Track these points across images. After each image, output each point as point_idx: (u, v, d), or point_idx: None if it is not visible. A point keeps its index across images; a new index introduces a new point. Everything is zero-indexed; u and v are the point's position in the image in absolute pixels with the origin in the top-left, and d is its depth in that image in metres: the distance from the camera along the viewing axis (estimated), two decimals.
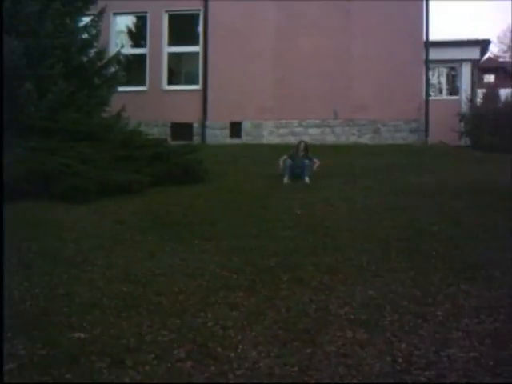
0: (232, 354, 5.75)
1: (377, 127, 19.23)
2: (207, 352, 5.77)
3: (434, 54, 21.71)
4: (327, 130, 19.18)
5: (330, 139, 18.95)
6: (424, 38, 19.79)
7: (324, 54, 19.16)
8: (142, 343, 5.97)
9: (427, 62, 20.11)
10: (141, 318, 6.59)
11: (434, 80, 27.60)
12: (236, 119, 19.44)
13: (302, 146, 14.07)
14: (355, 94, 19.00)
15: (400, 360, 5.56)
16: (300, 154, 13.83)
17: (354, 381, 5.24)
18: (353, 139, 19.11)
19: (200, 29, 20.71)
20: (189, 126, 19.93)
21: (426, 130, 19.56)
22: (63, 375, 5.29)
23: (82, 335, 6.14)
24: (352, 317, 6.62)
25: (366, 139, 19.06)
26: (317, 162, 13.69)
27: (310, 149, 14.18)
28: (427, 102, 19.82)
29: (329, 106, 18.98)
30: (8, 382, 4.56)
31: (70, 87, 14.06)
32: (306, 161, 13.63)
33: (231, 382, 5.25)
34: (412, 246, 8.95)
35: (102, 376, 5.31)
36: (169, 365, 5.53)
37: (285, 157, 13.69)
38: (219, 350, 5.84)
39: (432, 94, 25.27)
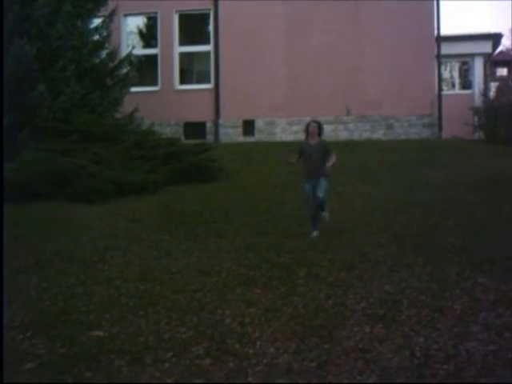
0: (250, 351, 5.76)
1: (390, 123, 19.19)
2: (225, 349, 5.77)
3: (446, 49, 21.64)
4: (340, 126, 19.15)
5: (343, 136, 18.92)
6: (435, 32, 19.72)
7: (335, 50, 19.13)
8: (160, 341, 5.99)
9: (439, 56, 20.03)
10: (159, 316, 6.61)
11: (446, 74, 27.50)
12: (249, 117, 19.44)
13: (314, 128, 10.18)
14: (368, 90, 18.97)
15: (418, 354, 5.54)
16: (312, 142, 10.13)
17: (373, 375, 5.23)
18: (366, 135, 19.07)
19: (211, 28, 20.73)
20: (202, 125, 19.96)
21: (440, 125, 19.49)
22: (83, 373, 5.31)
23: (101, 333, 6.17)
24: (369, 312, 6.61)
25: (379, 135, 19.03)
26: (333, 158, 10.04)
27: (323, 130, 10.55)
28: (440, 96, 19.74)
29: (341, 103, 18.96)
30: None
31: (82, 89, 14.14)
32: (322, 180, 9.83)
33: (250, 378, 5.26)
34: (428, 240, 8.93)
35: (121, 374, 5.33)
36: (187, 362, 5.54)
37: (294, 160, 10.17)
38: (237, 346, 5.84)
39: (445, 88, 25.17)
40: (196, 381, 5.19)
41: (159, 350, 5.78)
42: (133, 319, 6.54)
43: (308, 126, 10.36)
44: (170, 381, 5.22)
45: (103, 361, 5.55)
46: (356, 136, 19.06)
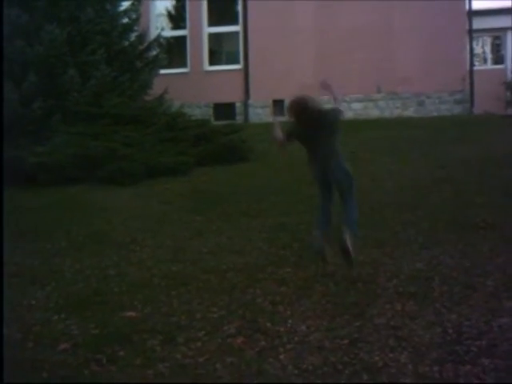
0: (282, 329, 5.79)
1: (421, 100, 19.00)
2: (257, 327, 5.81)
3: (478, 23, 21.30)
4: (370, 104, 19.02)
5: (374, 114, 18.79)
6: (467, 6, 19.43)
7: (364, 27, 18.94)
8: (192, 320, 6.05)
9: (470, 31, 19.75)
10: (190, 296, 6.67)
11: (478, 49, 27.13)
12: (278, 97, 19.37)
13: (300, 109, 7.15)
14: (398, 67, 18.78)
15: (450, 331, 5.53)
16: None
17: (405, 353, 5.22)
18: (397, 113, 18.92)
19: (239, 8, 20.64)
20: (231, 106, 19.95)
21: (472, 101, 19.25)
22: (116, 353, 5.39)
23: (134, 314, 6.25)
24: (400, 289, 6.60)
25: (410, 112, 18.86)
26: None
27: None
28: (471, 72, 19.47)
29: (371, 80, 18.80)
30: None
31: (112, 72, 14.18)
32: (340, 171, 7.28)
33: (281, 356, 5.29)
34: (460, 217, 8.86)
35: (154, 353, 5.39)
36: (219, 341, 5.59)
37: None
38: (269, 325, 5.88)
39: (476, 63, 24.84)
40: (227, 359, 5.24)
41: (191, 330, 5.84)
42: (165, 299, 6.61)
43: (292, 107, 7.30)
44: (200, 359, 5.27)
45: (136, 341, 5.62)
46: (387, 114, 18.91)
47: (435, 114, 18.66)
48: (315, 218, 7.59)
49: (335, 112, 7.56)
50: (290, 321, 5.97)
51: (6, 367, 4.83)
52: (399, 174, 11.58)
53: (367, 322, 5.87)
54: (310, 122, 7.25)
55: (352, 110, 18.58)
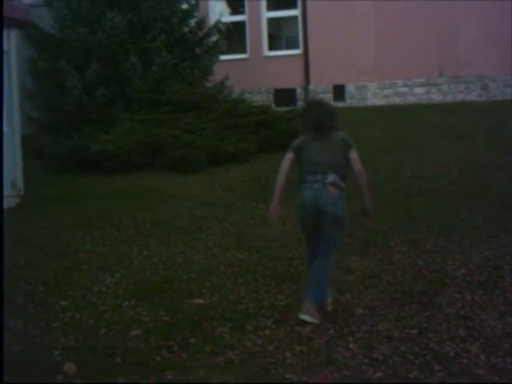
0: (350, 318, 5.79)
1: (485, 83, 18.61)
2: (325, 316, 5.81)
3: None
4: (433, 88, 18.68)
5: (437, 98, 18.45)
6: None
7: (426, 9, 18.58)
8: (260, 308, 6.09)
9: None
10: (257, 284, 6.72)
11: None
12: (339, 82, 19.22)
13: (317, 113, 6.01)
14: (461, 49, 18.39)
15: None
16: (312, 136, 6.10)
17: (476, 343, 5.17)
18: (460, 97, 18.55)
19: None
20: (292, 92, 19.85)
21: None
22: (187, 340, 5.46)
23: (202, 301, 6.33)
24: (469, 278, 6.54)
25: (473, 96, 18.47)
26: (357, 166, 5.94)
27: (335, 117, 6.15)
28: None
29: (434, 64, 18.48)
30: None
31: (173, 59, 14.25)
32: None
33: (350, 345, 5.28)
34: None
35: (223, 340, 5.45)
36: (288, 329, 5.62)
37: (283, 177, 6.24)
38: (336, 313, 5.88)
39: None
40: (296, 348, 5.25)
41: (260, 317, 5.88)
42: (232, 287, 6.67)
43: (308, 108, 6.37)
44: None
45: (206, 328, 5.69)
46: (450, 98, 18.56)
47: (500, 97, 18.24)
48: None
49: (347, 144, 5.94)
50: (357, 310, 5.97)
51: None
52: (465, 159, 11.39)
53: (437, 311, 5.83)
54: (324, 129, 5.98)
55: (414, 94, 18.31)
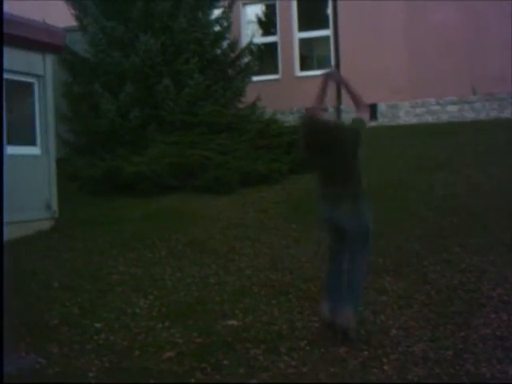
0: (384, 339, 5.75)
1: None
2: (359, 337, 5.78)
3: None
4: (466, 106, 18.56)
5: (470, 116, 18.32)
6: None
7: (456, 25, 18.52)
8: (293, 329, 6.07)
9: None
10: (290, 305, 6.71)
11: None
12: (371, 101, 19.18)
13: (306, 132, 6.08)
14: (493, 66, 18.22)
15: None
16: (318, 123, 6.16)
17: None
18: (493, 114, 18.39)
19: (329, 11, 20.57)
20: (324, 111, 19.90)
21: None
22: (220, 361, 5.46)
23: (236, 323, 6.33)
24: (506, 298, 6.47)
25: (507, 114, 18.29)
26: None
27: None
28: None
29: (466, 81, 18.38)
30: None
31: (205, 80, 14.37)
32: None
33: (385, 367, 5.24)
34: None
35: (257, 362, 5.45)
36: (322, 350, 5.60)
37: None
38: (371, 335, 5.84)
39: None
40: (330, 369, 5.23)
41: (293, 339, 5.87)
42: (265, 308, 6.67)
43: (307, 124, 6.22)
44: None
45: (239, 350, 5.70)
46: (483, 116, 18.41)
47: None
48: (324, 283, 6.27)
49: (357, 123, 6.03)
50: (392, 330, 5.93)
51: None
52: (498, 178, 11.26)
53: (472, 332, 5.77)
54: (323, 142, 5.83)
55: (446, 112, 18.21)
